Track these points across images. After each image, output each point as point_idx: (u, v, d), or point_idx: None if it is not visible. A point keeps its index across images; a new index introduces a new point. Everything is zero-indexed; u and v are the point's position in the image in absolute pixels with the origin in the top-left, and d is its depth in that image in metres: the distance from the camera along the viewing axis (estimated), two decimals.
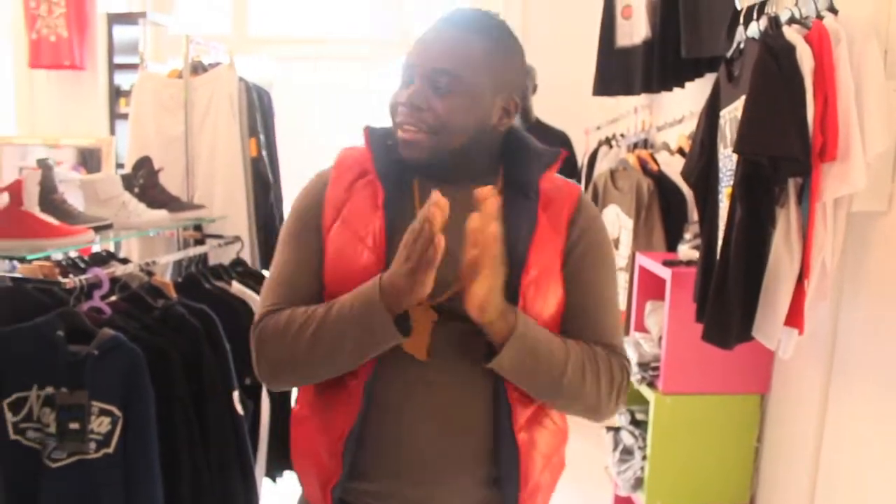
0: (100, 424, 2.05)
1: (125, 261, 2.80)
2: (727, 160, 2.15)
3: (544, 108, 4.13)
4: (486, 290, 1.11)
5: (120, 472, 2.06)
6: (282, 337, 1.21)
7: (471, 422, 1.25)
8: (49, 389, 2.05)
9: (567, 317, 1.28)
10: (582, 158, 4.05)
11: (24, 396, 2.06)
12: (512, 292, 1.20)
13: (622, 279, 3.26)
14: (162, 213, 2.75)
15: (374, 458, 1.26)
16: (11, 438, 2.05)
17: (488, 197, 1.10)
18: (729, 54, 2.21)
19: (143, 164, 2.87)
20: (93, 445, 2.04)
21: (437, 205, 1.07)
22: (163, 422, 2.16)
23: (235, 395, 2.36)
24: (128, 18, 4.48)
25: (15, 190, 2.18)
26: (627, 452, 2.78)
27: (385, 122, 1.34)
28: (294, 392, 1.43)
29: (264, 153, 3.32)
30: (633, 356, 2.71)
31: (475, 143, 1.25)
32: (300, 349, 1.20)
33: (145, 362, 2.10)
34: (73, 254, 2.60)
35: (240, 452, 2.37)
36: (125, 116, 3.82)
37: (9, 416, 2.05)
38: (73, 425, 2.03)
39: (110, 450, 2.05)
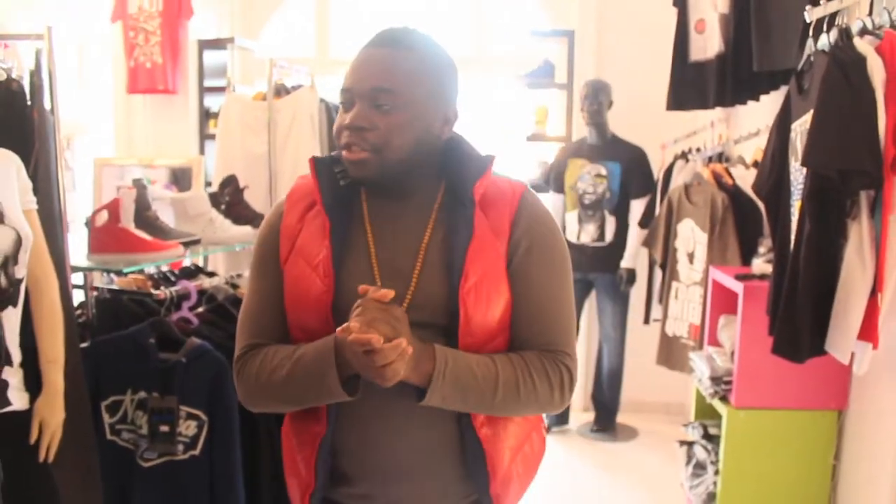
0: (187, 428, 2.18)
1: (212, 274, 2.96)
2: (798, 173, 2.14)
3: (620, 123, 4.14)
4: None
5: (205, 474, 2.19)
6: (255, 382, 1.30)
7: (435, 421, 1.29)
8: (142, 394, 2.20)
9: (514, 318, 1.29)
10: (658, 173, 4.04)
11: (120, 400, 2.22)
12: (452, 301, 1.24)
13: (697, 294, 3.25)
14: (246, 229, 2.88)
15: (351, 463, 1.32)
16: (108, 438, 2.21)
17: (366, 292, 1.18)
18: (799, 67, 2.19)
19: (229, 182, 3.03)
20: (180, 447, 2.17)
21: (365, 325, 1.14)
22: (245, 428, 2.27)
23: None
24: (217, 44, 4.69)
25: (113, 208, 2.34)
26: (700, 467, 2.76)
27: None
28: None
29: None
30: (705, 370, 2.70)
31: (418, 155, 1.27)
32: (273, 395, 1.30)
33: (229, 370, 2.22)
34: (164, 267, 2.76)
35: None
36: (214, 137, 4.03)
37: (106, 418, 2.21)
38: (164, 428, 2.17)
39: (196, 452, 2.18)
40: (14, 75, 2.23)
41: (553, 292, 1.31)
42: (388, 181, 1.28)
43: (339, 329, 1.17)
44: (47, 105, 2.17)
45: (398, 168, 1.26)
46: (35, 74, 2.17)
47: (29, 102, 2.20)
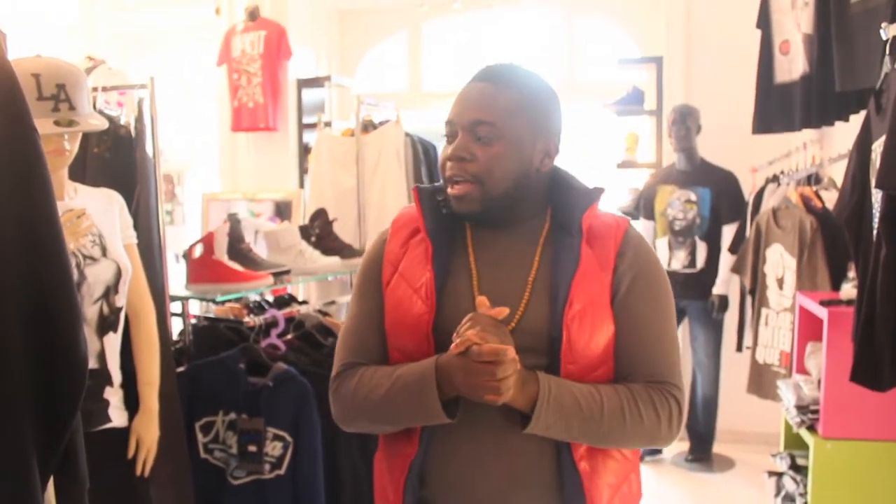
0: (273, 448, 2.31)
1: (303, 302, 3.11)
2: (878, 195, 2.08)
3: (711, 148, 4.09)
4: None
5: (289, 493, 2.30)
6: (352, 400, 1.33)
7: (530, 453, 1.28)
8: (232, 415, 2.34)
9: (619, 351, 1.30)
10: (749, 197, 3.95)
11: (212, 420, 2.36)
12: (555, 327, 1.26)
13: (786, 320, 3.16)
14: (335, 260, 3.02)
15: (439, 495, 1.32)
16: (202, 457, 2.35)
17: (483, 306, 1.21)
18: (878, 86, 2.14)
19: (319, 215, 3.18)
20: (267, 467, 2.29)
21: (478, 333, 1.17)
22: (328, 450, 2.38)
23: None
24: (315, 83, 4.92)
25: (208, 241, 2.52)
26: (790, 500, 2.67)
27: None
28: None
29: None
30: (792, 399, 2.63)
31: (520, 188, 1.31)
32: (369, 414, 1.33)
33: (313, 394, 2.34)
34: (267, 296, 2.91)
35: None
36: None
37: (200, 437, 2.36)
38: (251, 448, 2.30)
39: (282, 472, 2.30)
40: (123, 122, 2.44)
41: (658, 325, 1.32)
42: (492, 214, 1.32)
43: (456, 342, 1.19)
44: (149, 149, 2.37)
45: (501, 202, 1.31)
46: (139, 121, 2.37)
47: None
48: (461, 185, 1.30)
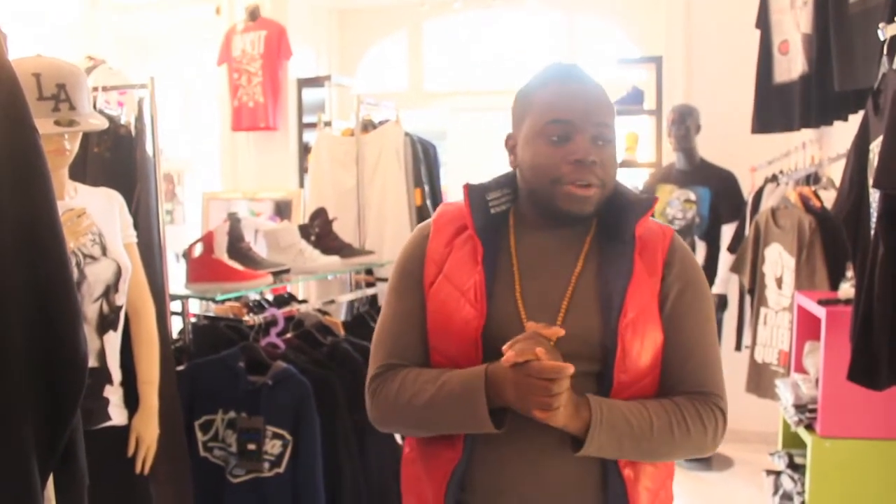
0: (273, 447, 2.31)
1: (303, 301, 3.12)
2: (876, 195, 2.09)
3: (711, 147, 4.10)
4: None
5: (289, 491, 2.31)
6: (394, 403, 1.30)
7: (579, 462, 1.26)
8: (231, 414, 2.34)
9: (666, 360, 1.30)
10: (747, 196, 3.96)
11: (212, 419, 2.37)
12: (610, 335, 1.25)
13: (785, 319, 3.17)
14: (334, 259, 3.03)
15: (482, 501, 1.30)
16: (201, 455, 2.36)
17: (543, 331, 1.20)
18: (875, 86, 2.15)
19: (319, 214, 3.19)
20: (266, 465, 2.30)
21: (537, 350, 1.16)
22: (327, 448, 2.38)
23: None
24: (315, 82, 4.94)
25: (207, 240, 2.52)
26: (787, 498, 2.68)
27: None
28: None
29: (429, 202, 3.56)
30: (790, 398, 2.64)
31: None
32: (410, 418, 1.31)
33: (312, 392, 2.35)
34: (258, 295, 2.92)
35: (398, 481, 2.55)
36: None
37: (199, 436, 2.36)
38: (251, 446, 2.31)
39: (281, 470, 2.30)
40: (124, 121, 2.45)
41: (704, 335, 1.33)
42: (594, 215, 1.32)
43: (511, 353, 1.17)
44: (149, 148, 2.38)
45: (604, 204, 1.31)
46: (139, 120, 2.38)
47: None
48: (591, 189, 1.27)
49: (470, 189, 1.37)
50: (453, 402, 1.24)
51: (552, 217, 1.33)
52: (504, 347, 1.19)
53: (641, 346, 1.26)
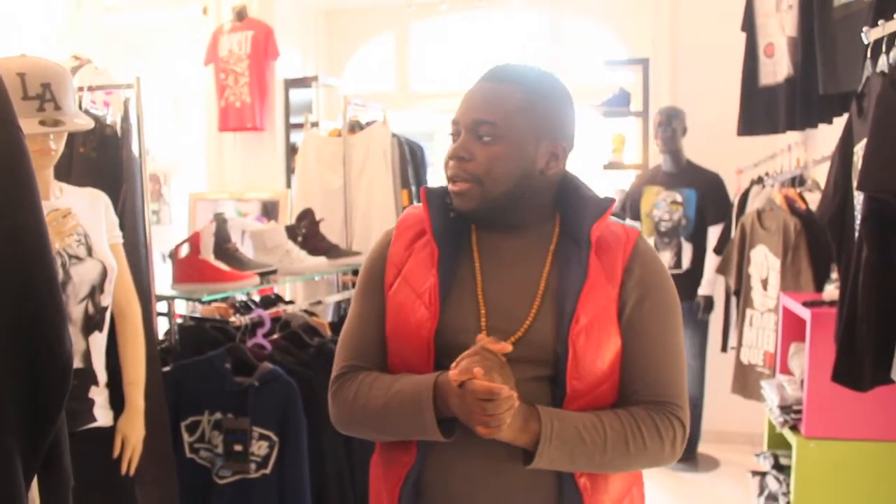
0: (259, 448, 2.31)
1: (290, 302, 3.11)
2: (860, 197, 2.11)
3: (697, 149, 4.12)
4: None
5: (275, 492, 2.30)
6: (351, 407, 1.31)
7: (531, 471, 1.24)
8: (218, 415, 2.34)
9: (625, 368, 1.27)
10: (733, 198, 3.98)
11: (198, 420, 2.36)
12: (561, 342, 1.23)
13: (771, 321, 3.19)
14: (321, 260, 3.02)
15: None
16: (187, 456, 2.35)
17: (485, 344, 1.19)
18: (860, 89, 2.17)
19: (306, 215, 3.18)
20: (253, 466, 2.29)
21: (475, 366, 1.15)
22: (314, 449, 2.38)
23: None
24: (302, 83, 4.92)
25: (194, 241, 2.51)
26: (772, 499, 2.70)
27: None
28: None
29: (416, 203, 3.56)
30: (775, 399, 2.65)
31: (522, 190, 1.28)
32: (365, 422, 1.31)
33: (299, 393, 2.34)
34: (244, 296, 2.92)
35: None
36: None
37: (185, 437, 2.35)
38: (237, 447, 2.30)
39: (267, 471, 2.30)
40: (110, 121, 2.44)
41: (666, 344, 1.29)
42: (494, 214, 1.30)
43: (454, 371, 1.17)
44: (135, 148, 2.36)
45: (502, 201, 1.27)
46: (125, 120, 2.37)
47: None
48: (460, 184, 1.28)
49: (428, 192, 1.36)
50: (404, 409, 1.24)
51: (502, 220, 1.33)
52: (452, 364, 1.19)
53: (596, 353, 1.24)
